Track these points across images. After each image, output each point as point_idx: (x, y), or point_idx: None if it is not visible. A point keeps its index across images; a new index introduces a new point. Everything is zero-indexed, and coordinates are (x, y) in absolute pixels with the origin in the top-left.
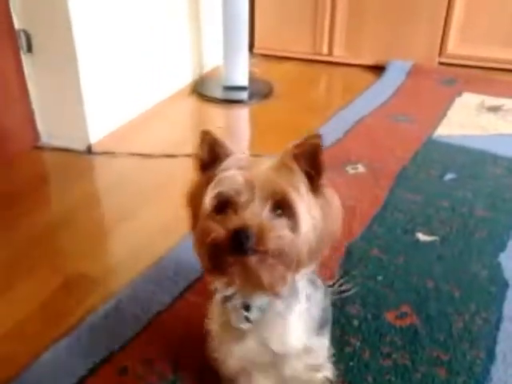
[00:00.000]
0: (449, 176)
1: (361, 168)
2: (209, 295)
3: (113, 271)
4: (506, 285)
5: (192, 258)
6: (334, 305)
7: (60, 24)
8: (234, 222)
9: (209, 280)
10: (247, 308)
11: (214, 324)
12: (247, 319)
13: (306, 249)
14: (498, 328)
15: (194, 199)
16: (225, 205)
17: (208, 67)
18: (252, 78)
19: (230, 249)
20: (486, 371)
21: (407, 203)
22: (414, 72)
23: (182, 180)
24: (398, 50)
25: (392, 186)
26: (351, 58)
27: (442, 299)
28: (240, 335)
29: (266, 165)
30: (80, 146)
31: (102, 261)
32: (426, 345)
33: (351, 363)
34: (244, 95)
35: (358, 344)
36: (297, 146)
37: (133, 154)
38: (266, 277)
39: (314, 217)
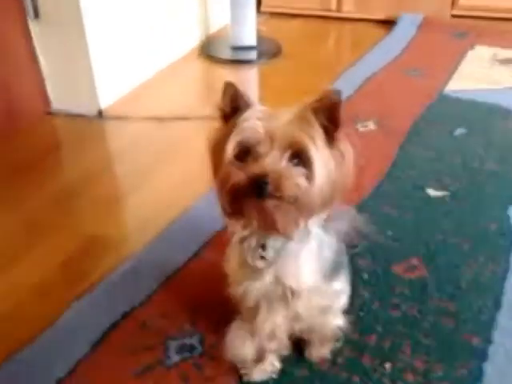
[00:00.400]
0: (459, 131)
1: (371, 125)
2: (222, 253)
3: (130, 233)
4: None
5: (206, 219)
6: None
7: None
8: (253, 168)
9: (228, 223)
10: (263, 247)
11: (231, 264)
12: (263, 258)
13: (319, 197)
14: (505, 279)
15: (216, 147)
16: (245, 153)
17: (215, 27)
18: (260, 37)
19: (249, 193)
20: (492, 319)
21: (418, 159)
22: (426, 25)
23: (194, 141)
24: (409, 3)
25: (403, 143)
26: (360, 13)
27: (450, 252)
28: (256, 273)
29: (285, 116)
30: (91, 111)
31: (119, 223)
32: (435, 295)
33: (361, 313)
34: (253, 55)
35: (368, 295)
36: (316, 101)
37: (144, 118)
38: (280, 220)
39: (329, 168)
